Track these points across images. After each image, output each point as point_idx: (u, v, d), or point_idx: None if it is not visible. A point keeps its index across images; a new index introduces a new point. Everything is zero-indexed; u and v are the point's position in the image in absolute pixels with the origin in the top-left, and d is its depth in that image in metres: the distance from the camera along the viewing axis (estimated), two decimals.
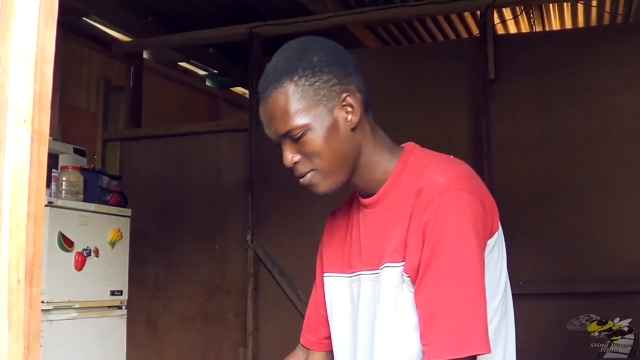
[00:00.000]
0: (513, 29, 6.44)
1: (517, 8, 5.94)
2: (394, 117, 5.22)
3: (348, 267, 1.90)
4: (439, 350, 1.58)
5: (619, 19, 6.13)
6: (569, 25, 6.46)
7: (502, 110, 5.23)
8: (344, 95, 1.73)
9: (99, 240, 5.13)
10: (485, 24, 5.36)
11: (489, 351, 1.58)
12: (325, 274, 1.98)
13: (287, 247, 5.69)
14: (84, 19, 6.16)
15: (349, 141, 1.75)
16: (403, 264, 1.66)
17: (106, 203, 5.31)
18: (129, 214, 5.45)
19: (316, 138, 1.71)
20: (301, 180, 1.77)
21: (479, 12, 5.64)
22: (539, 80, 5.23)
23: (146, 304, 6.09)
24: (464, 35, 6.57)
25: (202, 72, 8.07)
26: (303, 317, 1.70)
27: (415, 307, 1.65)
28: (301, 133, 1.71)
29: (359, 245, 1.86)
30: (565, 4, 6.03)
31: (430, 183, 1.67)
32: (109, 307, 5.25)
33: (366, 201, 1.85)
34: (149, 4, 6.05)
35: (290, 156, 1.75)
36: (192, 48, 6.98)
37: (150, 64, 7.14)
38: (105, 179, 5.44)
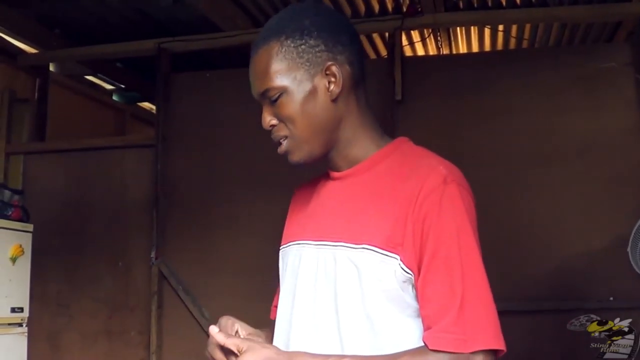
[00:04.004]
0: (420, 51, 6.54)
1: (425, 30, 6.02)
2: None
3: (290, 236, 1.88)
4: (449, 340, 1.51)
5: (525, 44, 6.27)
6: (475, 48, 6.58)
7: (408, 131, 5.13)
8: (329, 63, 1.70)
9: None
10: (393, 45, 5.43)
11: (502, 346, 1.53)
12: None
13: (192, 264, 5.65)
14: None
15: (327, 111, 1.72)
16: (398, 257, 1.59)
17: (7, 217, 5.20)
18: (31, 229, 5.34)
19: (291, 102, 1.68)
20: (278, 149, 1.74)
21: (387, 34, 5.72)
22: (445, 102, 5.30)
23: (47, 321, 5.94)
24: (372, 55, 6.64)
25: (108, 86, 7.97)
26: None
27: (390, 300, 1.60)
28: (277, 95, 1.68)
29: (313, 215, 1.83)
30: (472, 27, 6.15)
31: (433, 172, 1.65)
32: (9, 324, 5.13)
33: (336, 174, 1.81)
34: (56, 15, 5.94)
35: (268, 118, 1.72)
36: (99, 61, 6.89)
37: (57, 77, 7.01)
38: (7, 193, 5.33)
